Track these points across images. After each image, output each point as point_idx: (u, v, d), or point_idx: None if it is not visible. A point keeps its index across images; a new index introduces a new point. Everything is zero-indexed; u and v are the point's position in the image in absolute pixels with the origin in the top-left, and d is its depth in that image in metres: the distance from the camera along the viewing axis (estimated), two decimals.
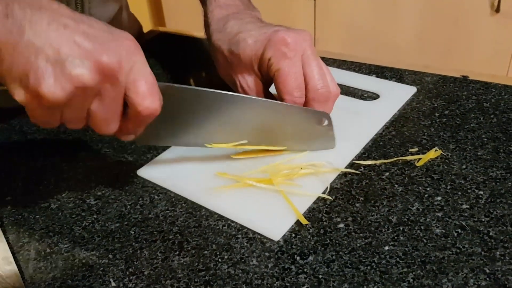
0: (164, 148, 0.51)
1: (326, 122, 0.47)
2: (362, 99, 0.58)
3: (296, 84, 0.46)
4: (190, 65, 0.70)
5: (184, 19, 1.88)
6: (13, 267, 0.39)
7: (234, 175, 0.46)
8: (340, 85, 0.48)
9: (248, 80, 0.50)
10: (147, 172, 0.48)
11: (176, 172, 0.47)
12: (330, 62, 0.66)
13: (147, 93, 0.37)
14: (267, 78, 0.48)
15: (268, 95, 0.51)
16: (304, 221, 0.40)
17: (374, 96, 0.58)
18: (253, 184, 0.44)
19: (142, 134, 0.41)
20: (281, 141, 0.47)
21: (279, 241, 0.39)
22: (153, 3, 2.03)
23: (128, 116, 0.38)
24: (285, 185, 0.44)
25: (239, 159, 0.47)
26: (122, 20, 0.73)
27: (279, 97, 0.47)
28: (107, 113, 0.37)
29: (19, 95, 0.35)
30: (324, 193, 0.43)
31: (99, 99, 0.36)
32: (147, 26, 0.85)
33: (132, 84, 0.36)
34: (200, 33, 0.81)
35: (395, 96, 0.57)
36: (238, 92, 0.51)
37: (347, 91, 0.59)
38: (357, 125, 0.52)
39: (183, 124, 0.44)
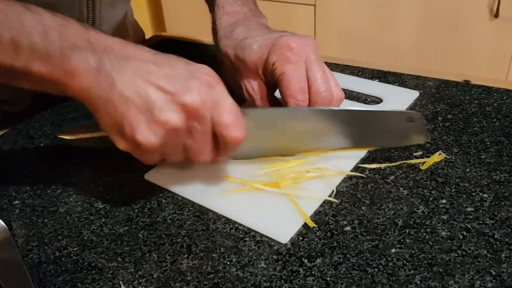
0: None
1: (415, 122, 0.45)
2: (365, 103, 0.58)
3: (300, 87, 0.46)
4: None
5: (184, 25, 1.89)
6: None
7: (240, 179, 0.46)
8: (343, 90, 0.49)
9: (253, 85, 0.50)
10: (154, 176, 0.48)
11: (183, 176, 0.48)
12: (332, 66, 0.66)
13: (232, 124, 0.39)
14: (271, 82, 0.49)
15: (273, 100, 0.51)
16: (311, 224, 0.41)
17: (377, 100, 0.59)
18: (260, 187, 0.44)
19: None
20: (366, 143, 0.48)
21: (286, 244, 0.40)
22: (153, 9, 2.03)
23: (219, 146, 0.41)
24: (292, 188, 0.44)
25: (244, 163, 0.48)
26: (127, 24, 0.74)
27: (283, 101, 0.47)
28: (200, 146, 0.40)
29: (121, 144, 0.39)
30: (330, 196, 0.44)
31: (190, 136, 0.39)
32: (148, 31, 0.86)
33: (217, 118, 0.39)
34: (202, 38, 0.82)
35: (398, 100, 0.57)
36: (243, 95, 0.51)
37: (350, 95, 0.60)
38: None
39: (266, 140, 0.46)
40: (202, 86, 0.38)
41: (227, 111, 0.39)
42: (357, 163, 0.48)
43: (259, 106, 0.51)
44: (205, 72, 0.39)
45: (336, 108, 0.47)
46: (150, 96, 0.36)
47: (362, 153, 0.49)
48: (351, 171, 0.47)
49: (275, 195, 0.44)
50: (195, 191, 0.46)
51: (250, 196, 0.44)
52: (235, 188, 0.45)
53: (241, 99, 0.53)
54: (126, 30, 0.75)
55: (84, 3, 0.57)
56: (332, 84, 0.47)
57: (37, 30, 0.36)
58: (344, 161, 0.48)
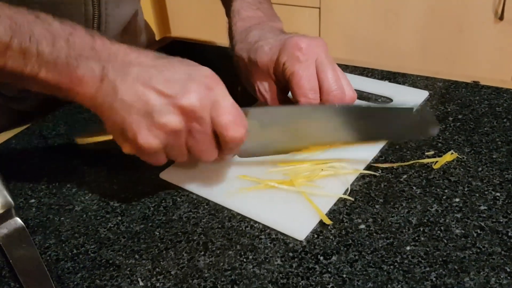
0: None
1: (422, 115, 0.45)
2: (376, 103, 0.59)
3: (310, 86, 0.47)
4: None
5: (188, 26, 1.89)
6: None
7: (255, 177, 0.46)
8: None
9: (265, 85, 0.51)
10: (169, 175, 0.49)
11: (198, 175, 0.48)
12: (342, 67, 0.66)
13: (230, 124, 0.40)
14: (283, 82, 0.50)
15: (286, 101, 0.52)
16: (327, 221, 0.41)
17: (387, 101, 0.59)
18: (274, 185, 0.45)
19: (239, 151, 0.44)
20: (374, 138, 0.49)
21: (302, 241, 0.40)
22: (158, 11, 2.04)
23: (221, 145, 0.42)
24: (306, 186, 0.45)
25: (257, 162, 0.48)
26: (138, 24, 0.75)
27: (294, 101, 0.48)
28: (202, 146, 0.41)
29: (125, 147, 0.40)
30: (345, 194, 0.44)
31: (192, 137, 0.40)
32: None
33: (217, 118, 0.40)
34: (206, 39, 0.82)
35: (408, 100, 0.58)
36: (257, 96, 0.52)
37: (360, 95, 0.60)
38: None
39: (272, 138, 0.47)
40: (200, 88, 0.39)
41: (226, 112, 0.40)
42: (370, 163, 0.48)
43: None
44: (204, 74, 0.40)
45: (338, 105, 0.47)
46: (150, 100, 0.38)
47: (374, 152, 0.49)
48: (364, 169, 0.47)
49: (289, 193, 0.44)
50: (210, 190, 0.46)
51: (265, 194, 0.45)
52: (250, 186, 0.46)
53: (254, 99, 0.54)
54: (136, 31, 0.75)
55: (89, 0, 0.57)
56: (343, 83, 0.48)
57: (46, 38, 0.38)
58: (357, 160, 0.48)
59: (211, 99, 0.39)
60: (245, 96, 0.62)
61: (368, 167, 0.48)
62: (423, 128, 0.46)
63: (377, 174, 0.47)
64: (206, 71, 0.41)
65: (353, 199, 0.44)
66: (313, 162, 0.47)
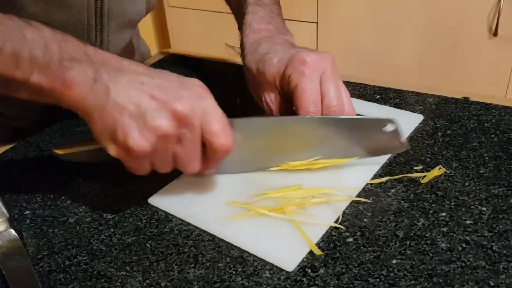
0: (175, 176, 0.51)
1: (391, 128, 0.47)
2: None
3: (312, 99, 0.47)
4: None
5: (189, 41, 1.92)
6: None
7: (245, 204, 0.46)
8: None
9: (272, 97, 0.52)
10: (158, 201, 0.48)
11: (187, 201, 0.47)
12: None
13: (220, 132, 0.41)
14: (289, 94, 0.50)
15: (291, 113, 0.52)
16: (317, 252, 0.40)
17: None
18: (265, 213, 0.44)
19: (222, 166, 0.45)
20: (351, 152, 0.49)
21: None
22: (158, 26, 2.07)
23: (207, 154, 0.42)
24: (297, 214, 0.44)
25: (247, 188, 0.48)
26: (133, 42, 0.76)
27: (296, 112, 0.49)
28: (189, 155, 0.42)
29: (112, 150, 0.40)
30: (336, 222, 0.44)
31: (180, 144, 0.41)
32: (153, 48, 0.88)
33: (206, 126, 0.40)
34: (206, 54, 0.84)
35: (402, 124, 0.56)
36: (263, 107, 0.54)
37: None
38: None
39: (254, 151, 0.48)
40: (192, 96, 0.40)
41: (216, 120, 0.41)
42: (363, 187, 0.48)
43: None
44: (196, 84, 0.42)
45: (315, 116, 0.47)
46: (142, 103, 0.39)
47: (368, 177, 0.49)
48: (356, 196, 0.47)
49: (280, 221, 0.44)
50: (199, 216, 0.45)
51: (254, 222, 0.44)
52: (239, 213, 0.45)
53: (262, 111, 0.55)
54: (132, 48, 0.77)
55: (92, 28, 0.59)
56: (344, 99, 0.48)
57: (38, 43, 0.38)
58: (350, 185, 0.48)
59: (202, 107, 0.40)
60: (243, 108, 0.64)
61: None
62: (393, 143, 0.48)
63: (369, 201, 0.46)
64: (197, 82, 0.42)
65: (345, 228, 0.43)
66: (304, 190, 0.47)
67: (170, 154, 0.41)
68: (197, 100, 0.40)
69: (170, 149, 0.41)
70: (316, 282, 0.38)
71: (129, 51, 0.76)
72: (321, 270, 0.39)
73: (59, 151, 0.47)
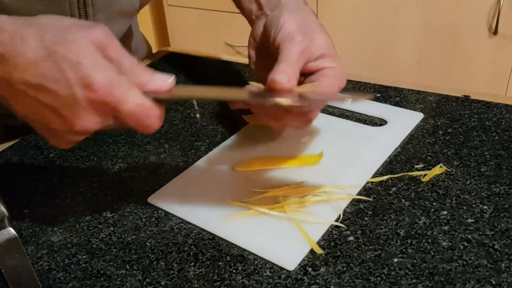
0: (174, 175, 0.51)
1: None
2: (371, 125, 0.58)
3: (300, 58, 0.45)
4: (198, 83, 0.72)
5: (188, 39, 1.91)
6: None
7: (245, 202, 0.46)
8: (348, 111, 0.49)
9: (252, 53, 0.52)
10: (157, 200, 0.48)
11: (187, 200, 0.47)
12: None
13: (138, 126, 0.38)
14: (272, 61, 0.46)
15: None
16: (318, 251, 0.40)
17: (381, 122, 0.59)
18: (265, 212, 0.44)
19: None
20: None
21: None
22: (158, 24, 2.07)
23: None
24: (297, 212, 0.44)
25: (248, 186, 0.48)
26: (132, 38, 0.76)
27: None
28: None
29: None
30: (337, 220, 0.43)
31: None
32: (152, 46, 0.88)
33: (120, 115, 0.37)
34: (205, 52, 0.84)
35: (403, 122, 0.57)
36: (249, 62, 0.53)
37: (355, 117, 0.60)
38: (367, 151, 0.52)
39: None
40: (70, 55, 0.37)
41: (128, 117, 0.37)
42: (363, 186, 0.47)
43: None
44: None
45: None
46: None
47: (368, 175, 0.49)
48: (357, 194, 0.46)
49: (280, 219, 0.44)
50: (198, 215, 0.45)
51: (254, 221, 0.44)
52: (239, 212, 0.45)
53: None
54: (130, 44, 0.76)
55: (76, 15, 0.56)
56: (325, 96, 0.45)
57: None
58: (351, 184, 0.48)
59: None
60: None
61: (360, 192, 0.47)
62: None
63: (370, 199, 0.46)
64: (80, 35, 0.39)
65: (345, 227, 0.43)
66: (305, 188, 0.47)
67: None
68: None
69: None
70: (317, 280, 0.38)
71: (126, 48, 0.75)
72: (322, 269, 0.39)
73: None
